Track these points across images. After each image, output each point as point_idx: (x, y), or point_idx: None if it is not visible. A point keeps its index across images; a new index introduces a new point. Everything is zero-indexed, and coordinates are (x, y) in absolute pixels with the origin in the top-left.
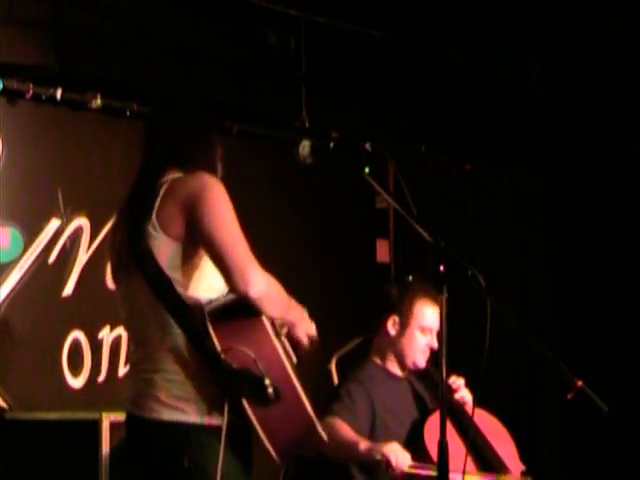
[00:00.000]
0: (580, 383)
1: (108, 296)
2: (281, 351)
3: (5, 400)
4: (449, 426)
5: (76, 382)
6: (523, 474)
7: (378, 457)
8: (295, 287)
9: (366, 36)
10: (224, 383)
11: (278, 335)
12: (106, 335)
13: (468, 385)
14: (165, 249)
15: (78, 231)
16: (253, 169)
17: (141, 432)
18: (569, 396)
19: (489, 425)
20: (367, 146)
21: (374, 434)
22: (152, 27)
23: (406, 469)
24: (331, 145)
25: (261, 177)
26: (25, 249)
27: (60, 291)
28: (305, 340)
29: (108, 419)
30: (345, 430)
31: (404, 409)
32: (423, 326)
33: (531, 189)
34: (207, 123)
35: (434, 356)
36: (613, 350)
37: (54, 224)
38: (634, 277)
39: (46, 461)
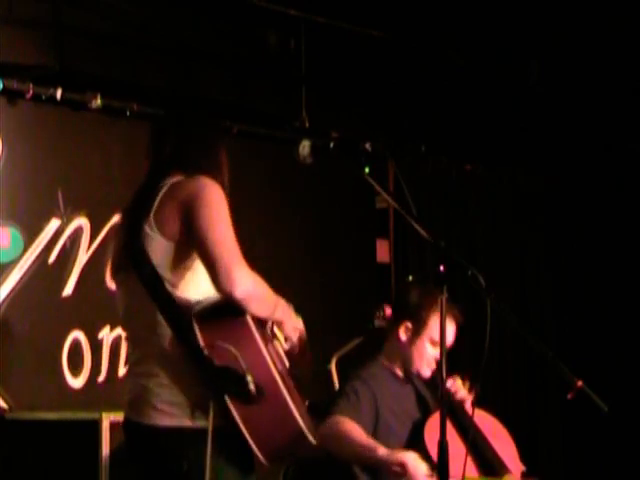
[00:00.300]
0: (580, 383)
1: (108, 296)
2: (265, 352)
3: (5, 400)
4: (449, 426)
5: (76, 382)
6: (523, 475)
7: (397, 469)
8: (295, 287)
9: (366, 36)
10: (207, 380)
11: (264, 336)
12: (106, 335)
13: (469, 384)
14: (159, 248)
15: (78, 231)
16: (253, 169)
17: (140, 437)
18: (569, 396)
19: (489, 426)
20: (367, 146)
21: (377, 434)
22: (152, 27)
23: None
24: (331, 145)
25: (261, 177)
26: (25, 249)
27: (60, 291)
28: (294, 337)
29: (108, 419)
30: (358, 431)
31: (407, 410)
32: (434, 339)
33: (531, 189)
34: (212, 127)
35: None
36: (613, 350)
37: (54, 224)
38: (634, 277)
39: (46, 461)
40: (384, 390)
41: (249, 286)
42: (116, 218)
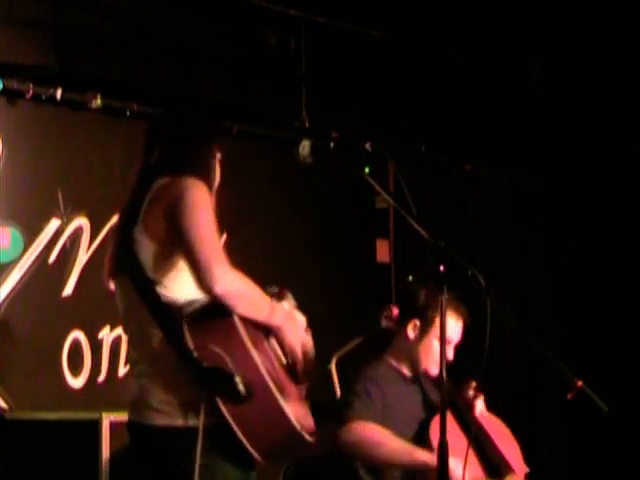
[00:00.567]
0: (580, 383)
1: (108, 296)
2: (254, 351)
3: (5, 400)
4: (455, 426)
5: (76, 382)
6: (527, 476)
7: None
8: (295, 287)
9: (366, 36)
10: (197, 381)
11: (255, 336)
12: (106, 335)
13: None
14: (148, 251)
15: (78, 231)
16: (253, 169)
17: (141, 437)
18: (569, 396)
19: (495, 427)
20: (367, 146)
21: None
22: (152, 27)
23: None
24: (331, 145)
25: (261, 177)
26: (25, 249)
27: (60, 291)
28: (295, 344)
29: (108, 419)
30: (388, 435)
31: (412, 411)
32: None
33: (531, 189)
34: (206, 127)
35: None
36: (613, 350)
37: (54, 224)
38: (634, 277)
39: (46, 461)
40: (391, 390)
41: (230, 282)
42: (116, 218)
